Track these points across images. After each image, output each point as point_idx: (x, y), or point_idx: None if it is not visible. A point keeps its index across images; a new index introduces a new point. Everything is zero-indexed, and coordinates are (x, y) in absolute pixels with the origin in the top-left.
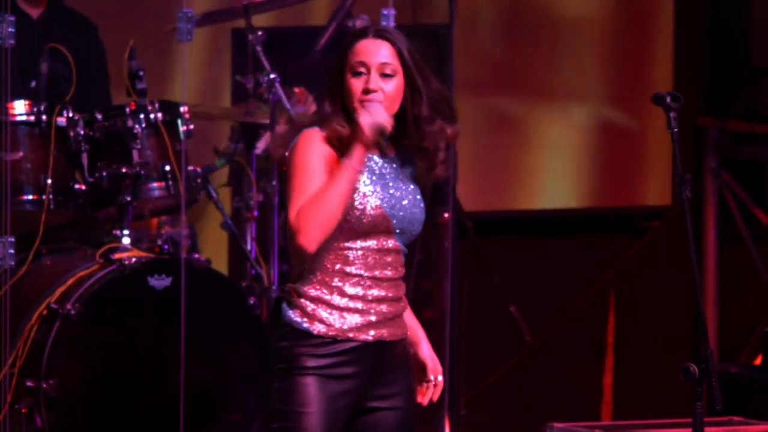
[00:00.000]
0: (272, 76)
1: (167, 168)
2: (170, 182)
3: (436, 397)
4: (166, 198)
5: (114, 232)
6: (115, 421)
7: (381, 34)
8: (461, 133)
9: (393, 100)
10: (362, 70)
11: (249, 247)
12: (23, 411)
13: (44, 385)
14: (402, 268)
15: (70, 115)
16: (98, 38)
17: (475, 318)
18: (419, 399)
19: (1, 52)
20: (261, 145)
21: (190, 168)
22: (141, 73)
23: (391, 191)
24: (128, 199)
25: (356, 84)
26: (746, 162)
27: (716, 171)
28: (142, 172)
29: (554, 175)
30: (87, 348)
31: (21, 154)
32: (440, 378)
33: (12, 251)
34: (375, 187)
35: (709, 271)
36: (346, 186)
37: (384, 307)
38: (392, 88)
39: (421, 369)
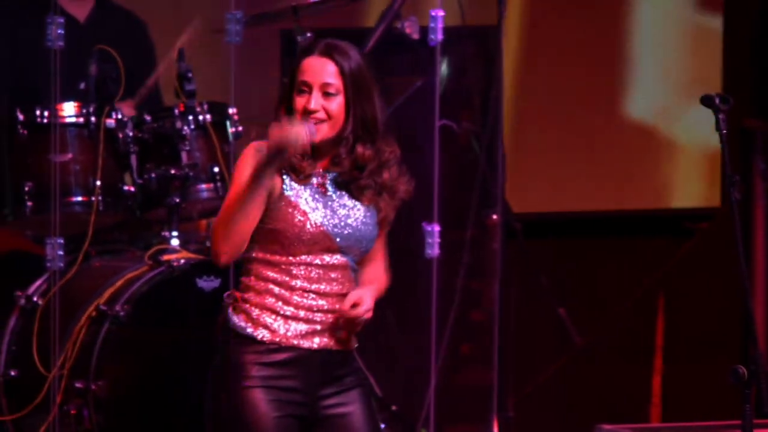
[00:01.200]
0: None
1: (216, 169)
2: (219, 183)
3: (345, 307)
4: (215, 199)
5: (163, 233)
6: (163, 423)
7: (326, 51)
8: (511, 134)
9: (337, 119)
10: (305, 88)
11: None
12: (72, 412)
13: (93, 387)
14: (351, 283)
15: (119, 116)
16: (147, 35)
17: (523, 320)
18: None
19: (50, 54)
20: None
21: None
22: (190, 75)
23: (335, 209)
24: (177, 200)
25: (299, 102)
26: None
27: (765, 173)
28: (191, 173)
29: (603, 176)
30: (136, 349)
31: (70, 155)
32: (356, 306)
33: (61, 253)
34: (317, 204)
35: (758, 272)
36: (250, 197)
37: (330, 318)
38: (336, 106)
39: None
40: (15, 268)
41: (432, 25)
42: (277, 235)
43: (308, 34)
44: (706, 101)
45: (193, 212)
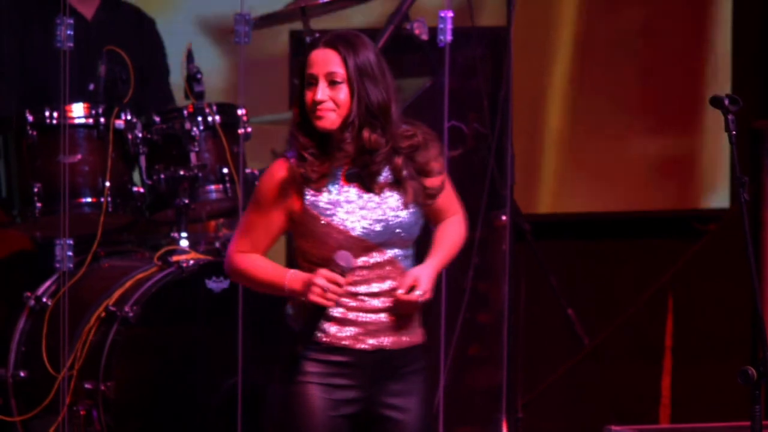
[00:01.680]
0: None
1: (225, 170)
2: (228, 185)
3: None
4: (224, 200)
5: (172, 234)
6: (172, 424)
7: (330, 42)
8: (518, 135)
9: (344, 107)
10: (312, 81)
11: None
12: (81, 413)
13: (102, 387)
14: (403, 275)
15: (128, 117)
16: (155, 32)
17: (532, 321)
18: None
19: (59, 54)
20: None
21: (248, 170)
22: (199, 76)
23: (359, 211)
24: (186, 201)
25: (308, 96)
26: None
27: None
28: (200, 174)
29: (611, 177)
30: (145, 350)
31: (79, 156)
32: (415, 290)
33: (70, 254)
34: (336, 209)
35: (767, 273)
36: (269, 291)
37: (383, 316)
38: (343, 95)
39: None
40: (24, 269)
41: (441, 26)
42: (311, 248)
43: (317, 35)
44: (716, 102)
45: (202, 213)
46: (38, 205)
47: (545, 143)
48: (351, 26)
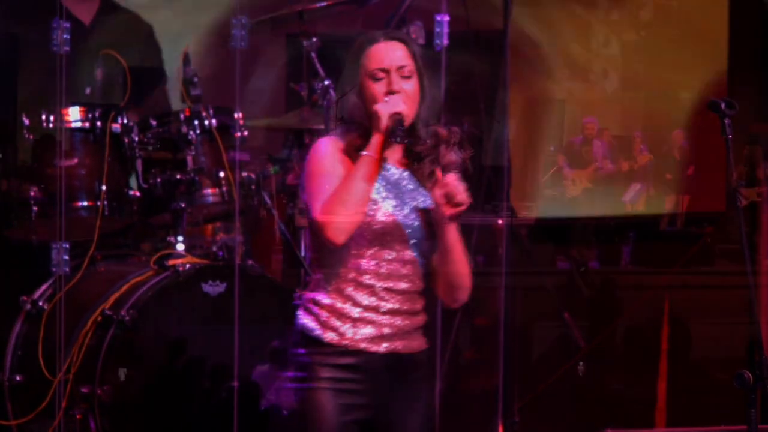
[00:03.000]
0: (326, 82)
1: (221, 174)
2: (224, 188)
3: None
4: (221, 204)
5: (168, 238)
6: (169, 427)
7: (394, 36)
8: (514, 139)
9: (414, 100)
10: (382, 75)
11: (302, 254)
12: (77, 417)
13: (98, 391)
14: (420, 281)
15: (125, 121)
16: (153, 38)
17: (528, 324)
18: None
19: (56, 58)
20: None
21: (245, 174)
22: (195, 80)
23: (405, 200)
24: (182, 205)
25: (377, 88)
26: None
27: None
28: (197, 178)
29: (608, 181)
30: (141, 354)
31: (75, 160)
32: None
33: (67, 257)
34: (387, 194)
35: (762, 276)
36: (367, 174)
37: (398, 320)
38: (412, 87)
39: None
40: (21, 272)
41: (437, 29)
42: None
43: (314, 39)
44: (712, 106)
45: (198, 217)
46: (35, 208)
47: (542, 147)
48: (348, 30)
